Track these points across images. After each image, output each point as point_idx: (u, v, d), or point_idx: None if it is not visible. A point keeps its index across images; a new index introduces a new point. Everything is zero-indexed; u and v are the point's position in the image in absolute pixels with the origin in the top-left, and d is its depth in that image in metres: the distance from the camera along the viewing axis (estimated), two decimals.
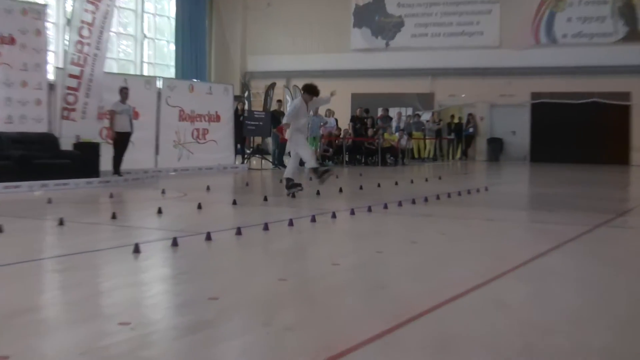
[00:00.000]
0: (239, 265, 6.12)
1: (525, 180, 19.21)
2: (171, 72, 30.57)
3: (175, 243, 6.70)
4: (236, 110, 21.26)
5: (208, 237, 7.08)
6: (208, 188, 13.31)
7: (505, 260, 6.34)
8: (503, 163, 27.15)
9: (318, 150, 22.26)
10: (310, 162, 12.08)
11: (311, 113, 21.82)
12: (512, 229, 8.63)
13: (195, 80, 25.41)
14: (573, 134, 26.74)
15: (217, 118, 19.95)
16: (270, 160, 21.72)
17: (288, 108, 12.22)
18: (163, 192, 12.47)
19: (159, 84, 18.54)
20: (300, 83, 28.66)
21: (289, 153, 12.39)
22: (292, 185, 11.93)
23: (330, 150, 23.67)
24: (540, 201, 12.46)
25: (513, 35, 28.27)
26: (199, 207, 9.98)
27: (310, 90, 12.05)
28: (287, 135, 12.06)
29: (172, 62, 30.79)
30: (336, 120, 25.11)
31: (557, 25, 27.87)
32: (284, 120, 12.25)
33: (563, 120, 26.93)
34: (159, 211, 9.31)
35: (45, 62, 15.18)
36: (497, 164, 26.87)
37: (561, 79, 27.36)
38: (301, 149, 12.09)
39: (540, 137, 27.46)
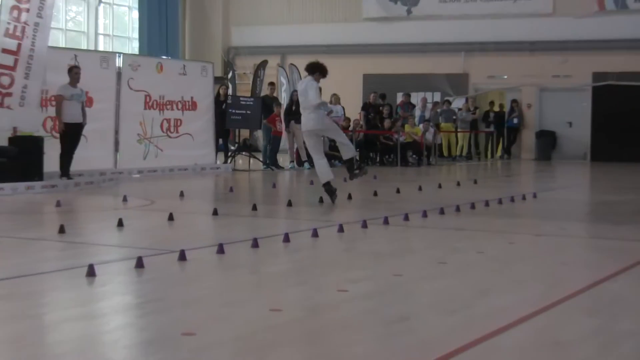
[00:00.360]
0: (221, 293, 6.12)
1: (585, 184, 19.19)
2: (134, 47, 30.62)
3: (140, 264, 6.71)
4: (217, 96, 21.30)
5: (182, 257, 7.09)
6: (182, 194, 13.33)
7: (559, 286, 6.34)
8: (556, 162, 27.14)
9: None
10: (351, 151, 12.73)
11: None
12: (568, 247, 8.63)
13: (165, 57, 25.44)
14: None
15: (193, 106, 19.98)
16: (261, 159, 21.75)
17: (310, 91, 12.21)
18: (124, 199, 12.48)
19: (119, 61, 18.57)
20: (298, 61, 28.78)
21: (306, 151, 12.64)
22: (334, 191, 12.25)
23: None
24: (604, 211, 12.45)
25: (570, 0, 28.24)
26: (171, 218, 9.98)
27: (323, 71, 12.27)
28: (317, 123, 12.21)
29: (135, 34, 30.84)
30: (343, 109, 25.13)
31: None
32: (318, 102, 12.28)
33: (634, 107, 26.89)
34: (120, 223, 9.32)
35: None
36: (549, 163, 26.85)
37: (632, 55, 27.32)
38: (340, 135, 12.77)
39: (604, 129, 27.41)
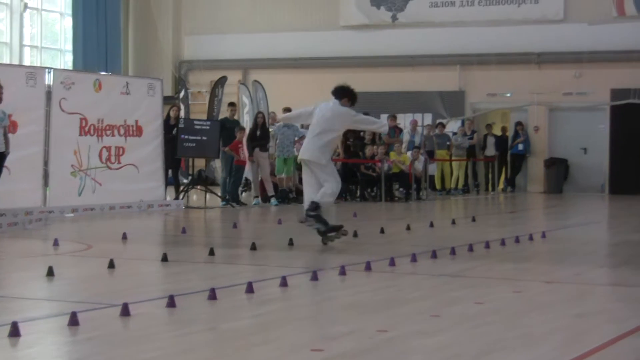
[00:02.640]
0: (172, 355, 6.09)
1: (603, 221, 19.28)
2: (67, 61, 30.57)
3: (74, 321, 6.65)
4: (167, 119, 21.28)
5: (125, 312, 7.04)
6: (125, 237, 13.27)
7: (576, 341, 6.35)
8: (569, 196, 27.25)
9: (292, 177, 22.29)
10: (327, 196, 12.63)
11: (279, 124, 22.01)
12: (584, 296, 8.66)
13: (104, 73, 25.40)
14: None
15: (138, 131, 19.93)
16: (219, 193, 21.71)
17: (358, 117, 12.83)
18: (55, 243, 12.40)
19: (49, 78, 18.51)
20: (263, 77, 28.79)
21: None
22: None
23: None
24: (626, 254, 12.48)
25: (585, 4, 28.50)
26: (111, 265, 9.92)
27: (353, 97, 12.59)
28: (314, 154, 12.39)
29: (69, 46, 30.80)
30: None
31: None
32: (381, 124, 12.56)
33: None
34: (50, 272, 9.26)
35: None
36: (560, 197, 26.96)
37: None
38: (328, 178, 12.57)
39: (625, 156, 27.59)
